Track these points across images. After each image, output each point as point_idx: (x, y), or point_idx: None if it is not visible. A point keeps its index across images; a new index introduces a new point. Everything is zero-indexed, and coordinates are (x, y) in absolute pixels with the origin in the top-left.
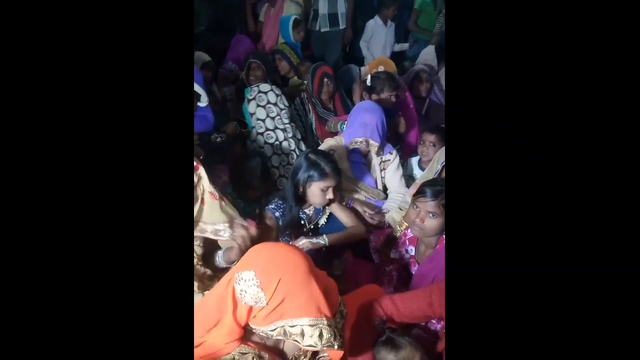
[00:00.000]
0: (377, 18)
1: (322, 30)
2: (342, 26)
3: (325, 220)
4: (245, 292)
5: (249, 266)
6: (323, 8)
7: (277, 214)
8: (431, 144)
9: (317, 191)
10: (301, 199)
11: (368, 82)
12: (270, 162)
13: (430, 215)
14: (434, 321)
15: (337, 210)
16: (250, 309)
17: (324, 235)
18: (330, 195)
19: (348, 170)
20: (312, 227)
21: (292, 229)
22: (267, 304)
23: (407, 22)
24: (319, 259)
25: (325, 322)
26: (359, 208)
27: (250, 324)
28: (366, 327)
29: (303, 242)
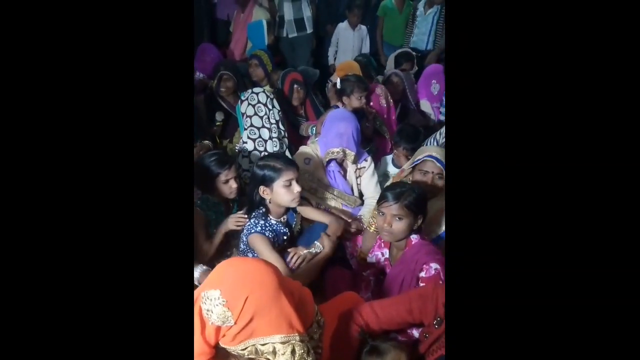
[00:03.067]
0: (345, 23)
1: (290, 36)
2: (309, 30)
3: (300, 225)
4: (212, 311)
5: (214, 285)
6: (288, 14)
7: (267, 234)
8: (403, 150)
9: (280, 189)
10: (268, 209)
11: (338, 85)
12: (249, 158)
13: (397, 218)
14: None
15: (311, 212)
16: (218, 328)
17: (316, 242)
18: (296, 187)
19: (324, 178)
20: (295, 233)
21: (279, 242)
22: (235, 323)
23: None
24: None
25: (297, 338)
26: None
27: (220, 343)
28: (346, 336)
29: (305, 253)
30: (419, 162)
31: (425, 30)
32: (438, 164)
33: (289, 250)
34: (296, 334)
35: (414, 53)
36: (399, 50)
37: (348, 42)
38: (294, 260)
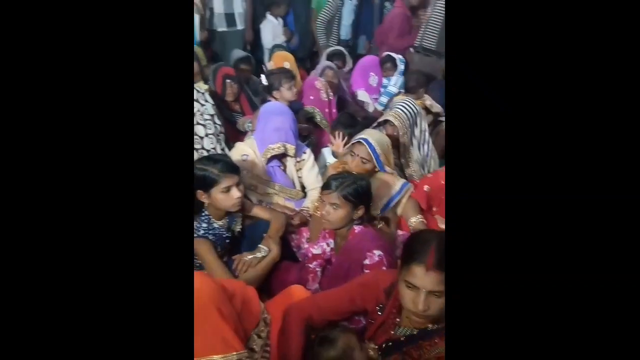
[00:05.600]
0: (269, 16)
1: (219, 29)
2: (239, 27)
3: (242, 225)
4: None
5: None
6: (219, 7)
7: (210, 237)
8: (341, 134)
9: (219, 195)
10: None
11: (264, 82)
12: None
13: (334, 207)
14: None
15: (257, 211)
16: None
17: (260, 246)
18: (236, 193)
19: (264, 174)
20: (236, 235)
21: (222, 246)
22: None
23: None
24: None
25: (235, 356)
26: (279, 210)
27: None
28: (291, 331)
29: (250, 258)
30: (352, 143)
31: (347, 23)
32: (368, 149)
33: (233, 258)
34: (234, 353)
35: (345, 51)
36: (331, 49)
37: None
38: (239, 267)
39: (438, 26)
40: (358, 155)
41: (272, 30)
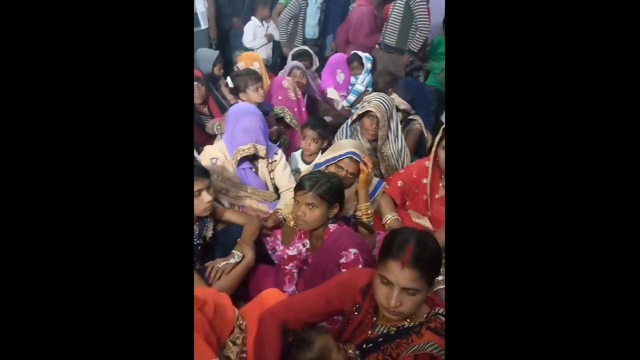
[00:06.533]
0: (254, 19)
1: None
2: (203, 26)
3: (213, 230)
4: None
5: None
6: None
7: None
8: (313, 140)
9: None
10: None
11: (230, 84)
12: None
13: (310, 207)
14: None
15: (230, 215)
16: None
17: (233, 251)
18: (206, 197)
19: (235, 177)
20: (207, 241)
21: (194, 254)
22: None
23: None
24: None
25: None
26: (252, 213)
27: None
28: (267, 337)
29: (223, 265)
30: (341, 158)
31: (313, 22)
32: (358, 161)
33: (206, 265)
34: None
35: (311, 51)
36: (296, 49)
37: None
38: (212, 275)
39: (398, 23)
40: (346, 170)
41: (253, 31)
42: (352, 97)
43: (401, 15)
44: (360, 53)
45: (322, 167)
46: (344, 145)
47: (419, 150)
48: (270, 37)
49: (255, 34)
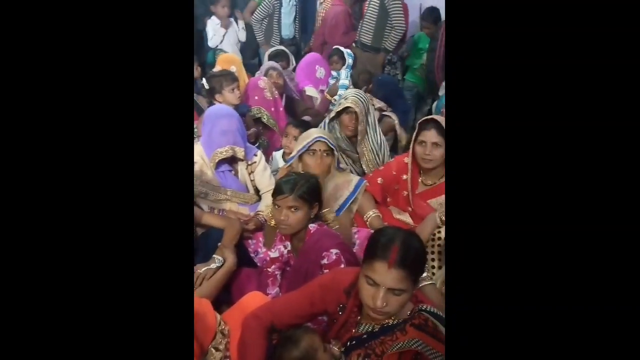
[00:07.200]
0: (214, 18)
1: None
2: None
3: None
4: None
5: None
6: None
7: None
8: (294, 138)
9: None
10: None
11: (206, 86)
12: None
13: (292, 209)
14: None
15: (209, 219)
16: None
17: (214, 256)
18: None
19: (214, 180)
20: None
21: None
22: None
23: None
24: None
25: None
26: (233, 217)
27: None
28: (251, 341)
29: (204, 270)
30: (308, 144)
31: (288, 21)
32: (328, 142)
33: None
34: None
35: (287, 50)
36: (272, 50)
37: (232, 37)
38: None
39: (373, 22)
40: (319, 149)
41: (213, 30)
42: (342, 92)
43: (376, 13)
44: (342, 48)
45: (296, 159)
46: (310, 133)
47: (393, 145)
48: (227, 24)
49: (216, 32)
